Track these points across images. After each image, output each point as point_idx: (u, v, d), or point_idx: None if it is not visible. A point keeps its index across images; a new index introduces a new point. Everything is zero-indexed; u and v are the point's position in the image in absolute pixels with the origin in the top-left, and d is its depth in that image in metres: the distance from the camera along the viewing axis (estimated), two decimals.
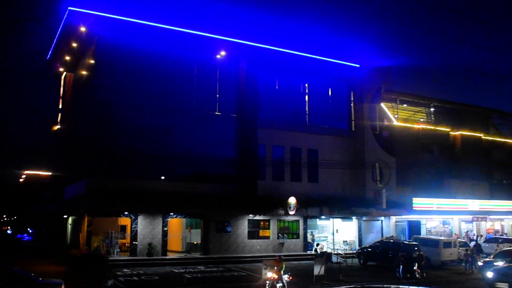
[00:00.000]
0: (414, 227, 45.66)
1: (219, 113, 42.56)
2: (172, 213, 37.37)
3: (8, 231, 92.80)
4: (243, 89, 43.41)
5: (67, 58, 45.71)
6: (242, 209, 38.96)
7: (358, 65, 49.08)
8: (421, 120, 55.51)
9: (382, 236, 44.13)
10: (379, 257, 35.40)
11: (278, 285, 22.36)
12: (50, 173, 56.97)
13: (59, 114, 53.50)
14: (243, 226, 39.62)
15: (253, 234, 40.14)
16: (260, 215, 40.07)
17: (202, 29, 41.89)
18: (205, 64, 42.47)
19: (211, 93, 42.62)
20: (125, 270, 30.57)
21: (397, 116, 52.37)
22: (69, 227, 43.16)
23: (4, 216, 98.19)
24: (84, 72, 43.53)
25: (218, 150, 41.83)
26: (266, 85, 44.44)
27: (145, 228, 36.03)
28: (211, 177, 40.55)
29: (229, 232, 38.88)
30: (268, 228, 40.90)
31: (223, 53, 42.48)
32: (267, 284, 22.62)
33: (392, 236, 43.54)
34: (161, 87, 40.25)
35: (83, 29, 39.00)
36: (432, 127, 54.08)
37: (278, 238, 40.94)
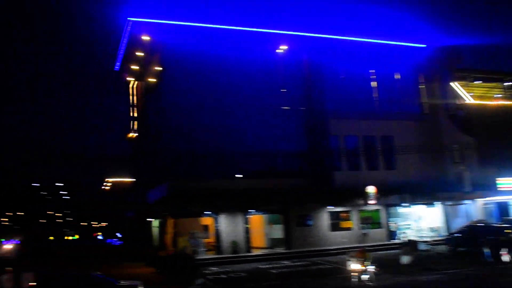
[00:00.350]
0: (503, 209, 43.91)
1: (287, 108, 42.63)
2: (252, 210, 37.89)
3: (99, 237, 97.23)
4: (308, 82, 43.27)
5: (134, 67, 47.30)
6: (321, 201, 38.94)
7: (424, 45, 47.60)
8: (497, 96, 53.08)
9: (469, 220, 42.68)
10: (467, 242, 34.15)
11: (365, 276, 22.18)
12: (132, 179, 59.06)
13: (133, 122, 55.37)
14: (324, 218, 39.59)
15: (335, 226, 40.01)
16: (339, 207, 39.91)
17: (260, 26, 42.20)
18: (267, 60, 42.64)
19: (276, 89, 42.76)
20: (212, 268, 31.30)
21: (471, 94, 50.36)
22: (155, 230, 44.62)
23: (95, 223, 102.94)
24: (151, 79, 44.86)
25: (288, 145, 42.01)
26: (331, 75, 43.89)
27: (227, 226, 36.78)
28: (282, 172, 40.82)
29: (310, 226, 38.96)
30: (349, 219, 40.64)
31: (284, 47, 42.54)
32: (352, 276, 22.50)
33: (481, 219, 42.00)
34: (227, 87, 40.88)
35: (145, 37, 40.37)
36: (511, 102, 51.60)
37: (360, 228, 40.57)
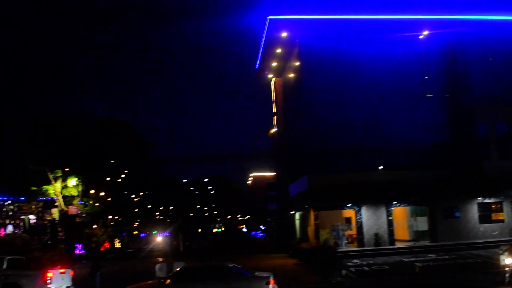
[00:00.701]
0: None
1: (430, 95, 40.80)
2: (394, 202, 37.00)
3: (244, 229, 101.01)
4: (452, 67, 41.05)
5: (274, 64, 48.35)
6: (469, 193, 36.91)
7: None
8: None
9: None
10: None
11: None
12: (273, 174, 60.55)
13: (274, 118, 56.76)
14: (473, 210, 37.44)
15: (485, 218, 37.60)
16: (490, 198, 37.49)
17: (397, 12, 40.63)
18: (407, 48, 41.09)
19: (417, 77, 41.10)
20: (354, 260, 31.13)
21: None
22: (297, 222, 45.35)
23: (239, 216, 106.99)
24: (291, 75, 45.54)
25: (430, 135, 40.18)
26: (477, 58, 41.00)
27: (369, 218, 36.30)
28: (425, 163, 39.11)
29: (457, 218, 37.09)
30: (501, 211, 37.98)
31: (425, 32, 40.72)
32: (507, 272, 21.02)
33: None
34: (366, 78, 40.20)
35: (284, 34, 40.98)
36: None
37: None
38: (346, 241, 36.80)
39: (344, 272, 25.12)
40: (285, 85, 50.41)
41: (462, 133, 39.97)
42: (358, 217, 36.41)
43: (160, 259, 42.99)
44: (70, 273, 20.19)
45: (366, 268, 28.02)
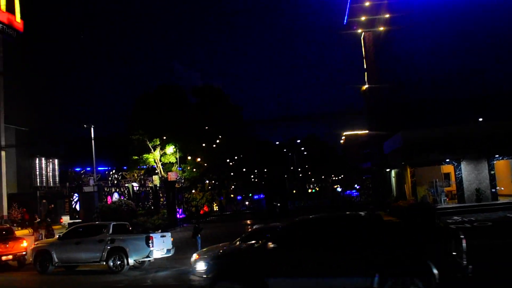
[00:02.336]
0: None
1: None
2: (497, 155, 35.12)
3: (338, 189, 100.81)
4: None
5: (363, 18, 46.83)
6: None
7: None
8: None
9: None
10: None
11: None
12: (366, 131, 59.49)
13: (365, 74, 55.36)
14: None
15: None
16: None
17: None
18: None
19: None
20: (454, 217, 30.12)
21: None
22: (393, 179, 44.48)
23: (333, 175, 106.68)
24: (381, 28, 43.99)
25: None
26: None
27: (469, 173, 34.79)
28: None
29: None
30: None
31: None
32: None
33: None
34: (460, 26, 38.05)
35: None
36: None
37: None
38: (445, 198, 35.64)
39: None
40: (375, 39, 48.84)
41: None
42: (457, 173, 35.01)
43: (249, 221, 44.08)
44: (170, 237, 21.09)
45: (467, 225, 27.01)
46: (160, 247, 19.85)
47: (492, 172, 34.71)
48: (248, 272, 10.26)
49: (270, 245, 10.55)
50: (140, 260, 19.70)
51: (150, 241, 19.21)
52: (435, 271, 9.44)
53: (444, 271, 9.54)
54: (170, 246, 20.50)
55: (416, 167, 35.85)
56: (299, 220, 11.78)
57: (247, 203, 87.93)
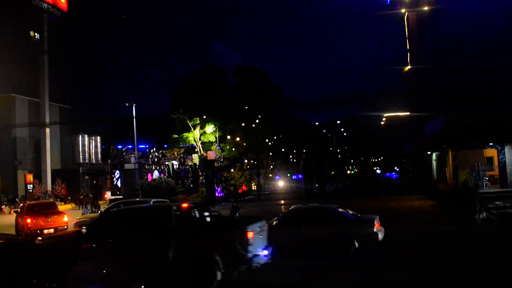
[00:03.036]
0: None
1: None
2: None
3: (378, 171, 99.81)
4: None
5: None
6: None
7: None
8: None
9: None
10: None
11: None
12: (408, 113, 58.59)
13: (408, 54, 54.32)
14: None
15: None
16: None
17: None
18: None
19: None
20: (496, 202, 29.47)
21: None
22: (434, 163, 43.82)
23: (372, 157, 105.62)
24: (425, 8, 43.00)
25: None
26: None
27: None
28: None
29: None
30: None
31: None
32: None
33: None
34: (508, 3, 36.78)
35: None
36: None
37: None
38: (487, 182, 34.94)
39: (485, 214, 23.93)
40: (419, 19, 47.80)
41: None
42: (500, 157, 34.22)
43: (282, 201, 44.19)
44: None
45: (509, 210, 26.47)
46: None
47: None
48: None
49: (274, 223, 16.21)
50: None
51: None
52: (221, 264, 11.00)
53: (227, 264, 11.07)
54: None
55: (458, 151, 35.21)
56: (291, 209, 17.29)
57: (280, 184, 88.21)
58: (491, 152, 35.83)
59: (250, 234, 11.69)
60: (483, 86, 36.64)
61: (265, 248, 12.62)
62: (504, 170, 33.99)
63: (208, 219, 13.88)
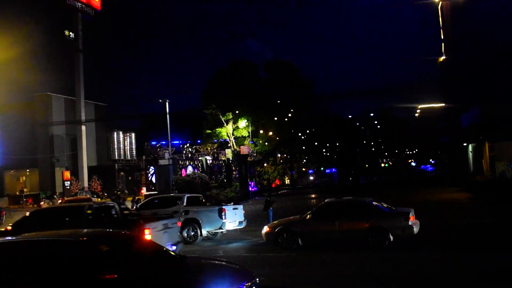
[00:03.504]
0: None
1: None
2: None
3: (412, 163, 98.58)
4: None
5: None
6: None
7: None
8: None
9: None
10: None
11: None
12: (442, 105, 57.65)
13: (442, 44, 53.38)
14: None
15: None
16: None
17: None
18: None
19: None
20: None
21: None
22: (470, 154, 43.03)
23: (406, 150, 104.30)
24: None
25: None
26: None
27: None
28: None
29: None
30: None
31: None
32: None
33: None
34: None
35: None
36: None
37: None
38: None
39: None
40: (454, 8, 46.89)
41: None
42: None
43: (316, 195, 44.02)
44: (243, 209, 21.59)
45: None
46: (233, 219, 20.31)
47: None
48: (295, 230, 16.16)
49: (308, 216, 16.36)
50: (213, 231, 20.29)
51: (223, 213, 19.70)
52: None
53: None
54: (242, 218, 20.95)
55: (495, 142, 34.42)
56: (325, 202, 17.04)
57: (311, 178, 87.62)
58: None
59: (147, 231, 12.51)
60: None
61: (174, 244, 13.38)
62: None
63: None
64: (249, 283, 7.31)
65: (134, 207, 23.19)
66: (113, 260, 7.23)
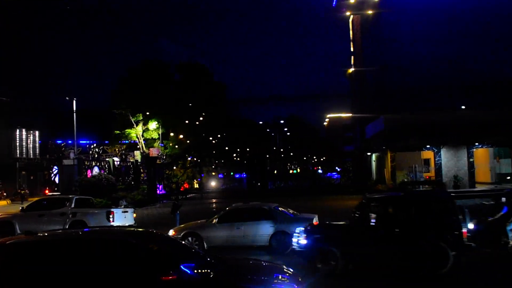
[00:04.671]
0: None
1: None
2: (477, 143, 35.49)
3: (319, 171, 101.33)
4: None
5: (352, 0, 46.73)
6: None
7: None
8: None
9: None
10: None
11: None
12: (350, 115, 59.76)
13: (352, 57, 55.37)
14: None
15: None
16: None
17: None
18: None
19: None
20: None
21: None
22: (374, 163, 44.81)
23: (314, 157, 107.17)
24: (369, 12, 43.96)
25: None
26: None
27: (449, 160, 35.17)
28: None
29: None
30: None
31: None
32: None
33: None
34: (448, 13, 38.19)
35: None
36: None
37: None
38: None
39: None
40: (363, 22, 48.82)
41: None
42: (437, 159, 35.36)
43: (224, 199, 44.17)
44: (133, 213, 21.44)
45: None
46: (122, 222, 20.10)
47: (471, 160, 35.11)
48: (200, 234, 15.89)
49: (214, 221, 16.32)
50: None
51: (110, 216, 19.44)
52: None
53: None
54: (132, 222, 20.89)
55: (397, 152, 36.10)
56: (232, 207, 17.11)
57: (214, 182, 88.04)
58: (428, 154, 36.92)
59: None
60: (424, 90, 37.75)
61: None
62: (440, 172, 35.14)
63: None
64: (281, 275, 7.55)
65: (20, 208, 22.19)
66: (170, 260, 7.03)
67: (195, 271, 6.89)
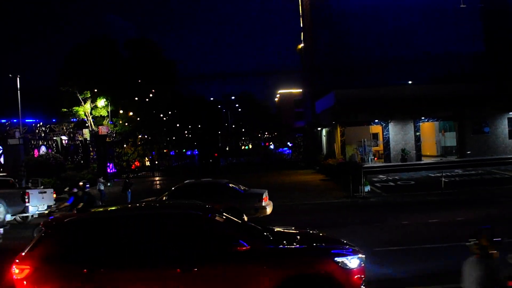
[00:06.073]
0: None
1: (463, 6, 39.06)
2: (423, 118, 36.45)
3: (271, 146, 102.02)
4: None
5: None
6: (500, 107, 35.90)
7: None
8: None
9: None
10: None
11: None
12: (300, 90, 60.15)
13: (302, 33, 55.54)
14: (503, 125, 36.59)
15: None
16: None
17: None
18: None
19: None
20: (380, 176, 31.23)
21: None
22: (324, 138, 45.42)
23: (266, 133, 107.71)
24: None
25: (462, 46, 38.94)
26: None
27: (396, 134, 36.00)
28: (455, 76, 38.09)
29: (486, 133, 36.43)
30: None
31: None
32: None
33: None
34: None
35: None
36: None
37: None
38: (373, 157, 36.85)
39: (369, 187, 25.27)
40: None
41: (501, 43, 38.50)
42: (385, 133, 36.16)
43: (176, 176, 44.05)
44: (52, 193, 21.03)
45: (391, 184, 28.13)
46: (39, 203, 19.77)
47: (418, 134, 36.05)
48: None
49: (164, 198, 16.38)
50: (21, 215, 19.61)
51: (26, 197, 19.07)
52: None
53: None
54: (51, 202, 20.53)
55: (346, 127, 36.69)
56: (182, 184, 17.28)
57: (176, 159, 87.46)
58: (377, 128, 37.71)
59: None
60: (373, 65, 38.37)
61: None
62: (388, 146, 35.96)
63: None
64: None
65: None
66: (241, 231, 7.25)
67: (270, 239, 7.21)
